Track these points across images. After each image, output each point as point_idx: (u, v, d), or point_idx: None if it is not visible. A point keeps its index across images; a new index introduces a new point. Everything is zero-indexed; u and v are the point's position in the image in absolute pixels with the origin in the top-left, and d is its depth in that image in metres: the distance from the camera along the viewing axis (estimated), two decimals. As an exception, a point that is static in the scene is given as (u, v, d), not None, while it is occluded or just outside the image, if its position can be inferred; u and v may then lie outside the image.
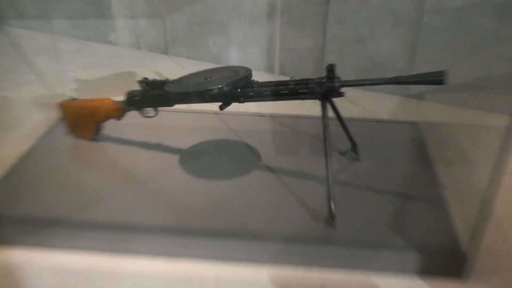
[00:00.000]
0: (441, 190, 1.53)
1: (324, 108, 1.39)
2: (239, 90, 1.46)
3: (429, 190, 1.54)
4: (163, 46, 2.84)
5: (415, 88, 2.27)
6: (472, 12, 2.04)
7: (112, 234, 1.36)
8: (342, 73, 2.43)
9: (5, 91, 2.40)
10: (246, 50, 2.62)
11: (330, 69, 1.37)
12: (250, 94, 1.47)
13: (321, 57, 2.44)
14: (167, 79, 1.60)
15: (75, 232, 1.36)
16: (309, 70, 2.49)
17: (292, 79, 1.45)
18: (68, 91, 2.35)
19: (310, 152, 1.74)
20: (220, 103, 1.50)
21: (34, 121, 2.04)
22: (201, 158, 1.69)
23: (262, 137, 1.83)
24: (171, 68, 2.67)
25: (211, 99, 1.48)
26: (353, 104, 2.24)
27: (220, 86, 1.43)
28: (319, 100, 1.41)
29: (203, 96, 1.47)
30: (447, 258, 1.27)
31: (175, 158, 1.68)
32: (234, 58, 2.68)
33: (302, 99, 1.43)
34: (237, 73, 1.51)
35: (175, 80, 1.58)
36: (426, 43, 2.18)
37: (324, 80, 1.38)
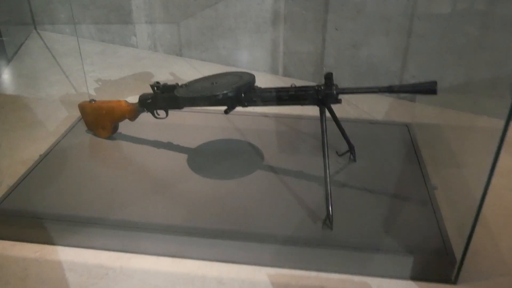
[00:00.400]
0: (432, 192, 1.38)
1: (322, 114, 1.25)
2: (243, 95, 1.32)
3: (420, 192, 1.39)
4: (178, 49, 2.69)
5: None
6: (458, 20, 1.87)
7: (121, 233, 1.23)
8: (340, 75, 2.31)
9: (38, 90, 2.28)
10: (253, 53, 2.47)
11: (328, 77, 1.22)
12: (253, 99, 1.33)
13: (320, 60, 2.29)
14: (177, 84, 1.45)
15: (87, 230, 1.24)
16: (309, 72, 2.34)
17: (293, 85, 1.30)
18: (91, 90, 2.22)
19: (311, 153, 1.59)
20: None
21: (59, 118, 1.91)
22: (208, 158, 1.55)
23: (265, 136, 1.69)
24: (185, 69, 2.52)
25: (217, 103, 1.34)
26: (349, 105, 2.08)
27: (225, 92, 1.29)
28: (318, 106, 1.26)
29: (210, 101, 1.33)
30: (438, 262, 1.13)
31: (184, 156, 1.55)
32: (242, 60, 2.52)
33: (302, 105, 1.29)
34: (241, 78, 1.37)
35: (184, 84, 1.44)
36: (416, 49, 2.02)
37: (323, 87, 1.23)
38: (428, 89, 1.12)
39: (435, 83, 1.12)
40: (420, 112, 2.04)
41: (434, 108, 2.07)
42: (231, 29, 2.46)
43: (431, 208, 1.31)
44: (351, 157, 1.52)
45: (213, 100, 1.32)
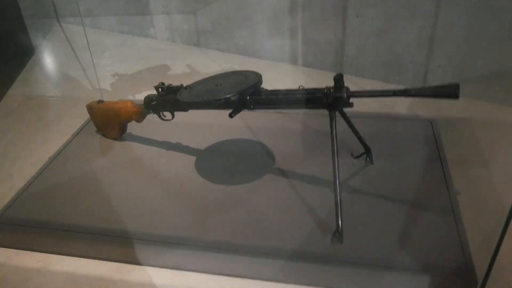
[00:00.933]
0: (455, 197, 1.26)
1: (332, 119, 1.14)
2: (248, 98, 1.23)
3: (442, 198, 1.26)
4: (195, 39, 2.61)
5: (433, 80, 1.95)
6: (489, 4, 1.69)
7: (124, 243, 1.18)
8: (361, 65, 2.16)
9: (55, 86, 2.26)
10: (270, 42, 2.35)
11: (338, 79, 1.11)
12: (259, 102, 1.23)
13: (341, 49, 2.15)
14: (182, 85, 1.38)
15: (89, 239, 1.20)
16: (329, 62, 2.20)
17: (301, 87, 1.20)
18: (107, 85, 2.17)
19: (325, 154, 1.47)
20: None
21: (73, 117, 1.88)
22: (217, 161, 1.48)
23: (278, 135, 1.59)
24: (202, 60, 2.44)
25: (221, 107, 1.25)
26: (372, 98, 1.94)
27: (227, 96, 1.20)
28: (327, 110, 1.15)
29: (213, 105, 1.25)
30: (457, 282, 1.02)
31: (192, 159, 1.48)
32: (259, 50, 2.41)
33: (311, 108, 1.18)
34: (247, 79, 1.28)
35: (188, 86, 1.36)
36: (443, 36, 1.85)
37: (332, 90, 1.12)
38: (449, 93, 1.00)
39: (457, 86, 0.99)
40: (445, 104, 1.88)
41: (461, 100, 1.90)
42: (248, 18, 2.35)
43: (452, 218, 1.19)
44: (368, 159, 1.41)
45: (216, 104, 1.23)
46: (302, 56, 2.30)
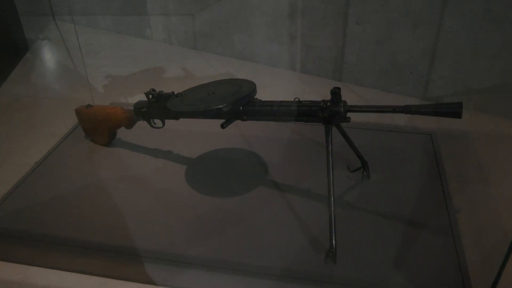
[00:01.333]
0: (454, 216, 1.21)
1: (327, 134, 1.09)
2: (241, 108, 1.18)
3: (441, 215, 1.22)
4: (193, 42, 2.55)
5: (434, 91, 1.90)
6: (494, 16, 1.64)
7: (108, 257, 1.13)
8: (361, 74, 2.11)
9: (47, 86, 2.21)
10: (269, 47, 2.30)
11: (336, 92, 1.06)
12: (252, 113, 1.18)
13: (340, 57, 2.10)
14: (173, 92, 1.33)
15: (71, 252, 1.15)
16: (329, 69, 2.15)
17: (297, 100, 1.15)
18: (100, 87, 2.12)
19: (320, 165, 1.42)
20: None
21: (63, 119, 1.82)
22: (208, 171, 1.43)
23: (271, 145, 1.54)
24: (199, 64, 2.38)
25: (212, 117, 1.20)
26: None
27: (220, 106, 1.15)
28: (323, 124, 1.10)
29: (204, 115, 1.20)
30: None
31: (183, 168, 1.43)
32: (257, 54, 2.36)
33: (306, 121, 1.13)
34: (241, 88, 1.22)
35: (180, 93, 1.31)
36: (445, 46, 1.81)
37: (329, 104, 1.07)
38: (451, 112, 0.95)
39: (460, 105, 0.94)
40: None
41: (463, 112, 1.85)
42: (247, 22, 2.30)
43: (451, 237, 1.14)
44: (365, 173, 1.36)
45: (208, 114, 1.18)
46: (301, 62, 2.25)
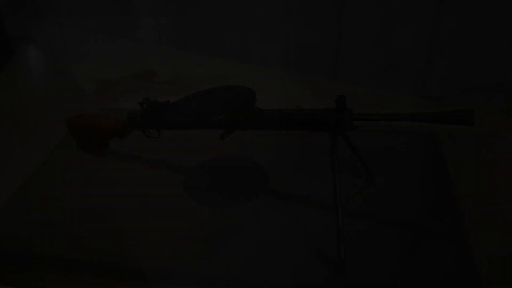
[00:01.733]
0: (462, 219, 1.18)
1: (332, 143, 1.05)
2: (241, 118, 1.13)
3: (448, 220, 1.19)
4: (184, 43, 2.49)
5: (434, 90, 1.87)
6: (492, 13, 1.61)
7: (101, 275, 1.08)
8: (358, 74, 2.07)
9: (34, 92, 2.13)
10: (262, 47, 2.25)
11: (340, 100, 1.01)
12: (253, 123, 1.14)
13: (336, 56, 2.05)
14: (168, 101, 1.27)
15: (63, 272, 1.09)
16: (324, 69, 2.10)
17: (299, 107, 1.10)
18: (89, 92, 2.05)
19: (323, 172, 1.38)
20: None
21: (50, 129, 1.75)
22: (207, 181, 1.38)
23: (273, 151, 1.48)
24: (190, 65, 2.32)
25: (210, 128, 1.15)
26: (369, 106, 1.85)
27: (218, 118, 1.11)
28: (327, 133, 1.06)
29: (202, 126, 1.15)
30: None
31: (181, 179, 1.37)
32: (251, 55, 2.30)
33: (309, 130, 1.09)
34: (240, 97, 1.17)
35: (175, 103, 1.25)
36: (444, 44, 1.77)
37: (333, 112, 1.03)
38: (462, 120, 0.91)
39: (471, 113, 0.90)
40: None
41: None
42: (239, 22, 2.24)
43: (460, 242, 1.12)
44: (368, 178, 1.32)
45: (205, 125, 1.13)
46: (296, 62, 2.20)
